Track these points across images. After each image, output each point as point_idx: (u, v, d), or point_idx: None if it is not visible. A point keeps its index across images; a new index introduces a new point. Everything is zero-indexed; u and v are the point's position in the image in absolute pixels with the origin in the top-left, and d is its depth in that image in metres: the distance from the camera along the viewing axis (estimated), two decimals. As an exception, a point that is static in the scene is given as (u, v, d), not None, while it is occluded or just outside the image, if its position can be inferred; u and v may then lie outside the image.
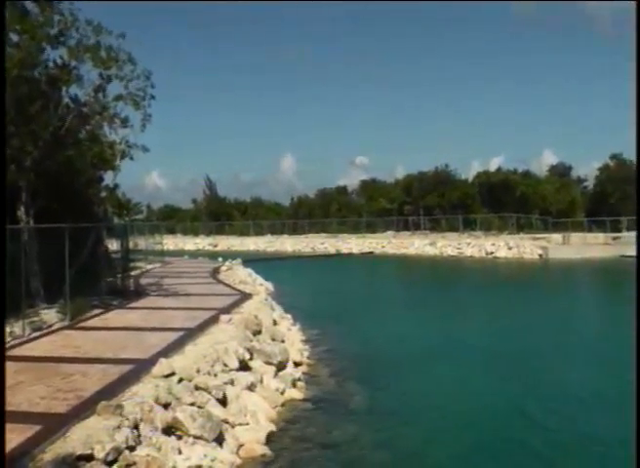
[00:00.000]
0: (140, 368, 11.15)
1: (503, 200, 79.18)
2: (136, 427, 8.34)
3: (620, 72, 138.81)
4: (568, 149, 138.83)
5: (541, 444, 10.56)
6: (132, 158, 22.79)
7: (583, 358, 17.37)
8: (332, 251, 71.02)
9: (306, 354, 16.71)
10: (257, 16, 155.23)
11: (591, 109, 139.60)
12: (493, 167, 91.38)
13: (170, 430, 8.81)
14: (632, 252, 53.85)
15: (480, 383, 14.59)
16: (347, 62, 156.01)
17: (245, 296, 22.24)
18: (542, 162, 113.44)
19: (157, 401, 9.15)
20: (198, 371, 11.11)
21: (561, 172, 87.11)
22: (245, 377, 12.09)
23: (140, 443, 8.14)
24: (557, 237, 60.79)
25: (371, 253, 67.71)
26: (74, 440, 7.69)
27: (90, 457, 7.44)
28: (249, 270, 36.76)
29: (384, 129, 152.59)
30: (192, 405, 9.57)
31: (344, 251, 69.99)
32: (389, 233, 78.92)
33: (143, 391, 9.53)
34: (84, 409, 8.77)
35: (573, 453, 10.23)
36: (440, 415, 12.16)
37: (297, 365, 15.16)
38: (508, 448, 10.42)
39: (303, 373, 14.76)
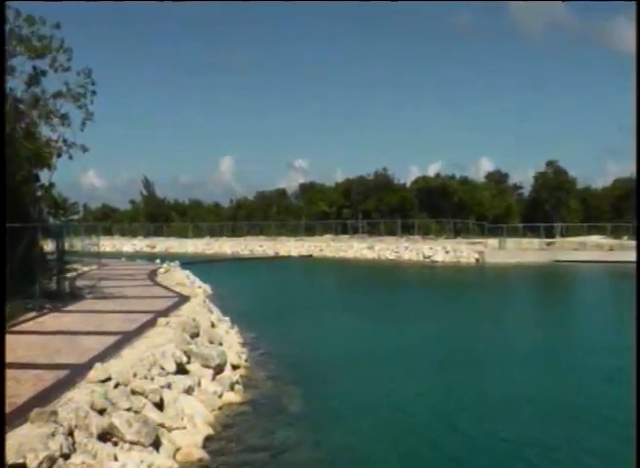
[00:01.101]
0: (75, 373, 10.97)
1: (441, 205, 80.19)
2: (70, 434, 8.16)
3: (554, 80, 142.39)
4: (504, 156, 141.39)
5: (472, 448, 10.73)
6: (71, 157, 22.44)
7: (514, 360, 17.68)
8: (270, 253, 71.03)
9: (244, 357, 16.63)
10: (190, 14, 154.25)
11: (527, 117, 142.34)
12: (431, 172, 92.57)
13: (106, 436, 8.67)
14: (565, 257, 55.30)
15: (414, 386, 14.75)
16: (286, 64, 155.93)
17: (183, 299, 22.07)
18: (480, 168, 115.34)
19: (93, 407, 8.99)
20: (135, 376, 10.97)
21: (497, 178, 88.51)
22: (182, 381, 11.98)
23: (74, 450, 7.97)
24: (493, 242, 61.81)
25: (310, 256, 67.83)
26: (6, 448, 7.49)
27: (23, 467, 7.26)
28: (187, 272, 36.57)
29: (323, 132, 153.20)
30: (129, 410, 9.44)
31: (283, 253, 70.01)
32: (328, 236, 79.18)
33: (79, 397, 9.36)
34: (16, 417, 8.56)
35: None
36: (375, 418, 12.26)
37: (234, 368, 15.08)
38: (441, 451, 10.58)
39: (241, 376, 14.70)
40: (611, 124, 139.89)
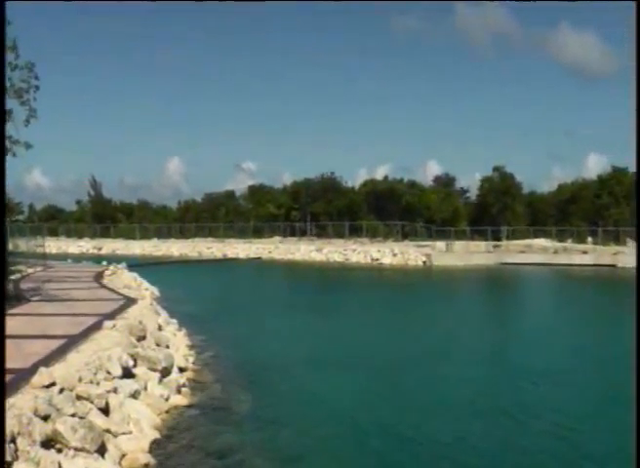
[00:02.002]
0: (18, 378, 10.76)
1: (389, 208, 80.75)
2: (13, 441, 8.01)
3: (500, 85, 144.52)
4: (451, 160, 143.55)
5: (414, 452, 10.86)
6: (14, 155, 22.02)
7: (454, 361, 17.99)
8: (219, 255, 70.72)
9: (192, 360, 16.60)
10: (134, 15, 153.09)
11: (474, 121, 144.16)
12: (379, 175, 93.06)
13: (50, 443, 8.53)
14: (511, 259, 56.10)
15: (359, 388, 14.87)
16: (233, 65, 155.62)
17: (130, 301, 21.82)
18: (427, 171, 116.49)
19: (36, 413, 8.83)
20: (80, 380, 10.82)
21: (445, 182, 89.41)
22: (128, 385, 11.86)
23: (17, 458, 7.82)
24: (441, 244, 62.38)
25: (258, 258, 67.67)
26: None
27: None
28: (134, 274, 36.20)
29: (271, 134, 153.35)
30: (73, 415, 9.31)
31: (231, 255, 69.78)
32: (276, 238, 79.14)
33: (22, 403, 9.19)
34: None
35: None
36: (322, 420, 12.33)
37: (182, 370, 15.00)
38: (384, 454, 10.65)
39: (188, 379, 14.64)
40: (556, 130, 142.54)
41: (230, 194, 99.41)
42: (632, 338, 14.78)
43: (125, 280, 32.07)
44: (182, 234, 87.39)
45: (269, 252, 69.53)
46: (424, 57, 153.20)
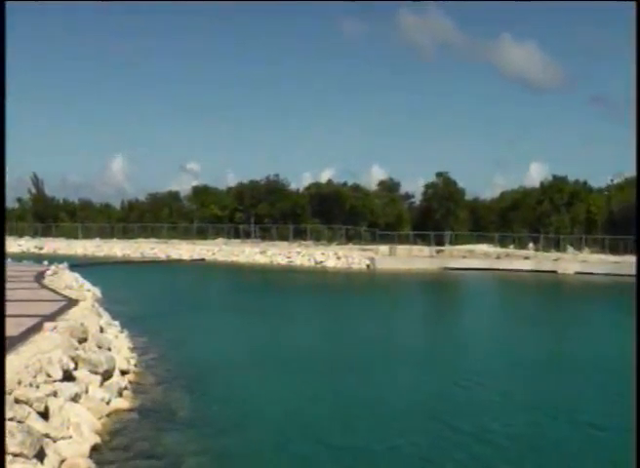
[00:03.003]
0: (-45, 379, 10.56)
1: (334, 211, 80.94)
2: (-51, 445, 7.88)
3: (444, 92, 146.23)
4: (395, 165, 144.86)
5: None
6: None
7: (391, 363, 18.20)
8: (162, 256, 70.15)
9: (133, 362, 16.44)
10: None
11: (418, 127, 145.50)
12: (324, 178, 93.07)
13: (-13, 448, 8.39)
14: (454, 264, 56.84)
15: (305, 389, 14.93)
16: (173, 65, 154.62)
17: (71, 302, 21.50)
18: (371, 176, 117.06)
19: (-26, 416, 8.69)
20: (19, 383, 10.63)
21: (390, 186, 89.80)
22: (69, 388, 11.66)
23: (-47, 462, 7.69)
24: (384, 248, 62.81)
25: (202, 260, 67.28)
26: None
27: None
28: (76, 275, 35.71)
29: (215, 135, 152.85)
30: (12, 420, 9.14)
31: (175, 257, 69.29)
32: (220, 240, 78.81)
33: (-41, 405, 9.03)
34: None
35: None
36: (264, 424, 12.33)
37: (123, 373, 14.82)
38: (325, 458, 10.72)
39: (130, 382, 14.51)
40: (499, 138, 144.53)
41: (174, 195, 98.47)
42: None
43: (66, 280, 31.56)
44: (126, 234, 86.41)
45: (213, 253, 69.17)
46: (369, 60, 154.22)
